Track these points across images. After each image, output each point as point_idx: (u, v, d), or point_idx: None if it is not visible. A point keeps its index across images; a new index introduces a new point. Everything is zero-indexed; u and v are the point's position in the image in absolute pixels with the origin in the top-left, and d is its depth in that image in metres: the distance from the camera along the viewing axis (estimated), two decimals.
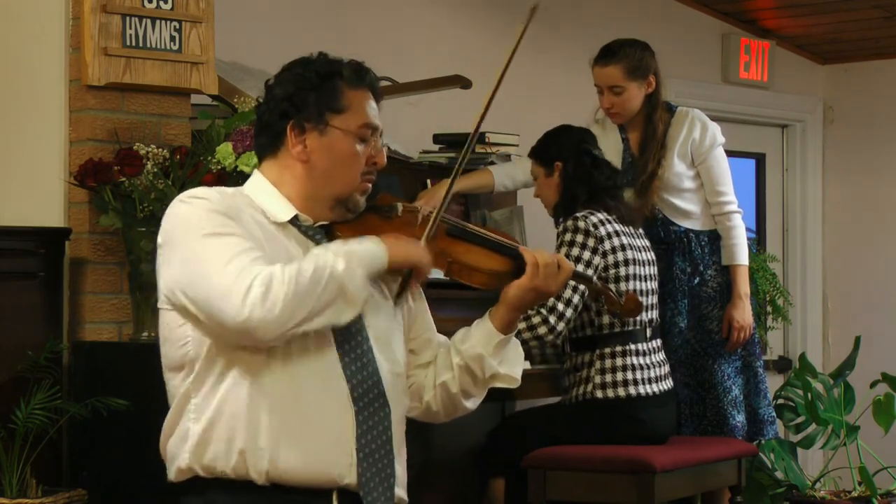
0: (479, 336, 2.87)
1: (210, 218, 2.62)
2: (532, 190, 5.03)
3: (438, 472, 4.69)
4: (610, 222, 4.39)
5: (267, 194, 2.76)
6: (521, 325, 4.25)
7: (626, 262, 4.36)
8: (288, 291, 2.54)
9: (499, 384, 2.90)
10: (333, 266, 2.59)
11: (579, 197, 4.43)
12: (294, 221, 2.77)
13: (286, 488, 2.63)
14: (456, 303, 4.29)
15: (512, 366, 2.90)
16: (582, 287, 4.24)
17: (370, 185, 2.83)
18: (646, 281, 4.44)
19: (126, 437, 3.67)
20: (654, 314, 4.48)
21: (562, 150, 4.49)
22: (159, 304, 2.72)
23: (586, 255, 4.31)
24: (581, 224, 4.35)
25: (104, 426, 3.70)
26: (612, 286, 3.87)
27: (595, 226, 4.34)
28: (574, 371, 4.40)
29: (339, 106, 2.78)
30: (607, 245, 4.34)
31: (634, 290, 4.36)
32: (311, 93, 2.75)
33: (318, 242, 2.77)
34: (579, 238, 4.33)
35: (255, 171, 2.82)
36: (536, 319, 4.26)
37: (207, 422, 2.63)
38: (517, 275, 2.82)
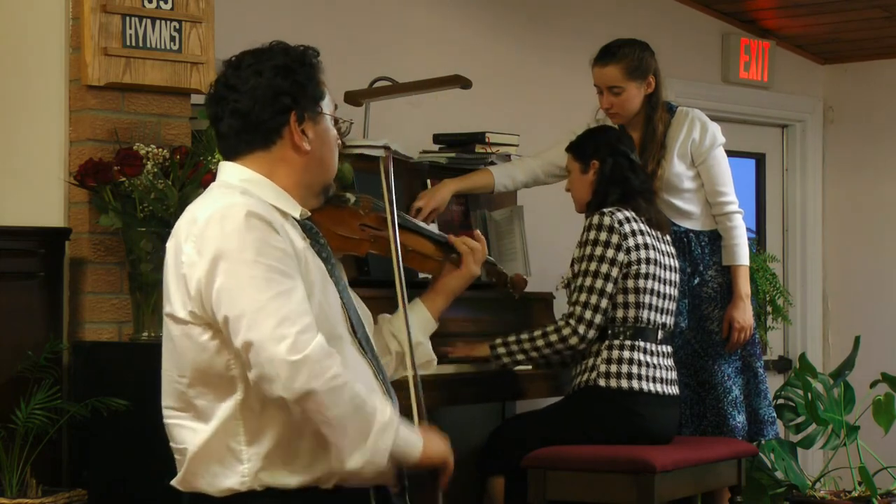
0: (418, 325, 3.03)
1: (264, 249, 2.58)
2: (533, 190, 5.04)
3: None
4: (637, 221, 4.38)
5: (271, 190, 2.74)
6: (553, 337, 4.31)
7: (648, 261, 4.35)
8: (340, 374, 2.55)
9: (422, 369, 3.04)
10: (376, 410, 2.59)
11: (611, 197, 4.43)
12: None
13: (341, 493, 2.63)
14: (467, 303, 4.32)
15: (431, 351, 3.10)
16: (609, 289, 4.29)
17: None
18: (666, 285, 4.42)
19: (126, 437, 3.67)
20: (669, 321, 4.46)
21: (600, 148, 4.49)
22: (182, 314, 2.64)
23: (610, 252, 4.30)
24: (606, 220, 4.34)
25: (104, 426, 3.70)
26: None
27: (620, 222, 4.34)
28: (581, 360, 4.40)
29: (321, 92, 2.78)
30: (631, 242, 4.33)
31: (654, 291, 4.37)
32: (305, 83, 2.74)
33: (313, 236, 2.78)
34: (603, 236, 4.32)
35: (240, 167, 2.75)
36: (567, 331, 4.30)
37: (268, 444, 2.60)
38: (446, 262, 3.08)
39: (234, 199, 2.64)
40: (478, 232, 3.13)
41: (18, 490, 3.62)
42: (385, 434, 2.59)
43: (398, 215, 2.95)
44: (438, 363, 3.29)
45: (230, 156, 2.78)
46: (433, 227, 3.84)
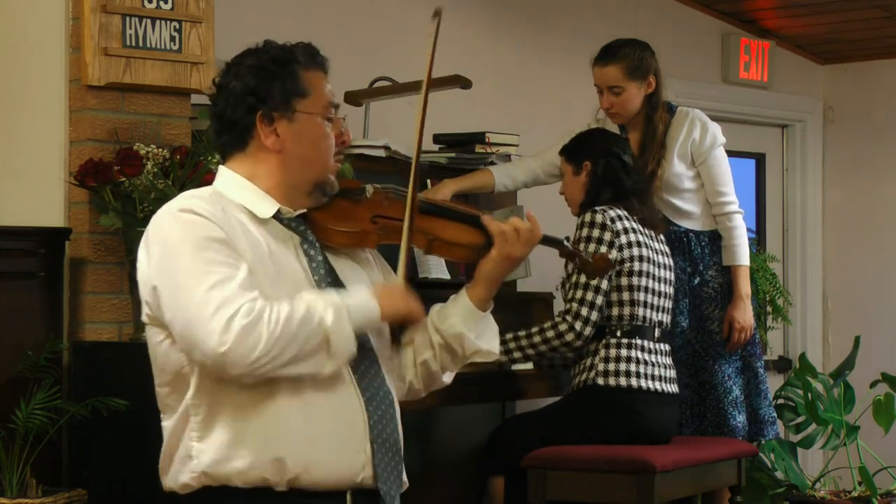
0: (459, 315, 2.87)
1: (199, 241, 2.59)
2: (533, 190, 5.04)
3: (438, 472, 4.69)
4: (628, 219, 4.39)
5: (246, 191, 2.74)
6: (550, 334, 4.30)
7: (641, 259, 4.36)
8: (274, 332, 2.54)
9: (478, 359, 2.92)
10: (323, 317, 2.59)
11: (603, 196, 4.43)
12: (276, 215, 2.75)
13: (306, 493, 2.62)
14: None
15: (490, 341, 2.91)
16: (604, 286, 4.26)
17: (340, 165, 2.84)
18: (660, 283, 4.43)
19: (126, 437, 3.67)
20: (666, 318, 4.47)
21: (592, 150, 4.49)
22: (143, 318, 2.71)
23: (602, 249, 4.31)
24: (598, 218, 4.35)
25: (104, 426, 3.70)
26: (581, 247, 3.96)
27: (612, 220, 4.34)
28: (580, 360, 4.40)
29: (302, 90, 2.76)
30: (623, 239, 4.34)
31: (648, 289, 4.38)
32: (273, 82, 2.73)
33: (302, 234, 2.77)
34: (595, 232, 4.33)
35: (224, 169, 2.79)
36: (563, 327, 4.30)
37: (219, 440, 2.61)
38: (489, 246, 2.85)
39: (177, 204, 2.67)
40: (530, 212, 3.00)
41: (18, 490, 3.62)
42: (341, 329, 2.59)
43: (423, 200, 2.83)
44: None
45: (222, 159, 2.82)
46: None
